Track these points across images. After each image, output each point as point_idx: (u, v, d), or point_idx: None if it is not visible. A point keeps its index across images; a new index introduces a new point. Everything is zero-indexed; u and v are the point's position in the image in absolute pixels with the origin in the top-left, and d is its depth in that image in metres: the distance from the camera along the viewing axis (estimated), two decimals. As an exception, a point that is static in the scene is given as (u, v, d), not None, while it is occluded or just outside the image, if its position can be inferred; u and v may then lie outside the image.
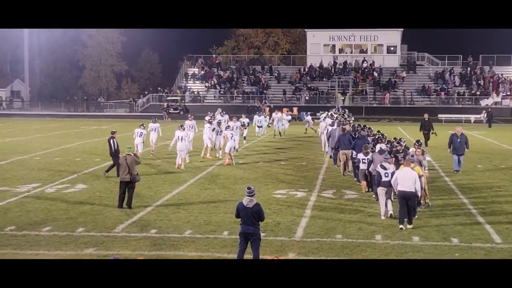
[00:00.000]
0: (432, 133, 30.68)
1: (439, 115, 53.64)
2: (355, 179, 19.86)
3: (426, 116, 31.56)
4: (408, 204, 13.85)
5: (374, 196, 16.96)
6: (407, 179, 13.87)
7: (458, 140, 22.09)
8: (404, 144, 18.45)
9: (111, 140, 20.83)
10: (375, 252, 12.08)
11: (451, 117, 54.06)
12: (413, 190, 13.81)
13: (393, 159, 16.02)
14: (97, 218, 14.86)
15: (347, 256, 11.77)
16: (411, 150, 17.10)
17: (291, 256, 11.75)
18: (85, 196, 17.62)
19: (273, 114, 39.24)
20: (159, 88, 72.05)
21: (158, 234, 13.36)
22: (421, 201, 15.97)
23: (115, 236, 13.25)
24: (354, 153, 19.92)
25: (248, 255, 10.88)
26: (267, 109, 53.36)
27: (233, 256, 11.22)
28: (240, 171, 22.51)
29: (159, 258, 11.56)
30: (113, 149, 20.73)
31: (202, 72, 69.23)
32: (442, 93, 61.95)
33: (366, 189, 18.16)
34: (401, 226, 13.87)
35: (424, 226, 14.11)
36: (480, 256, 11.91)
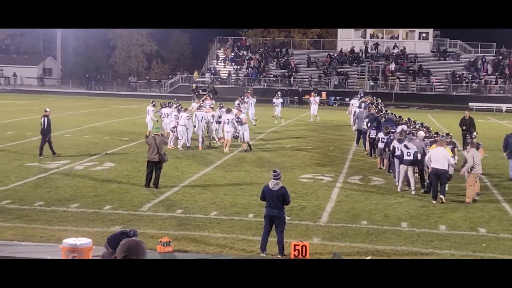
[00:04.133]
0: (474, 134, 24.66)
1: (470, 104, 52.76)
2: (368, 154, 22.51)
3: (466, 113, 26.21)
4: (440, 180, 15.08)
5: (385, 169, 19.21)
6: (440, 157, 15.11)
7: None
8: (431, 134, 18.98)
9: (43, 119, 20.63)
10: (401, 239, 11.99)
11: (483, 106, 53.19)
12: (446, 168, 15.06)
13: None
14: (124, 197, 15.04)
15: (372, 243, 11.72)
16: (421, 133, 17.37)
17: (316, 240, 11.74)
18: (113, 175, 17.82)
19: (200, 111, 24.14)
20: (176, 74, 72.27)
21: (184, 214, 13.46)
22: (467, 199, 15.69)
23: (141, 214, 13.40)
24: (373, 132, 21.39)
25: (273, 238, 10.92)
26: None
27: (258, 238, 11.26)
28: (266, 155, 22.52)
29: (175, 254, 11.66)
30: (43, 127, 20.44)
31: (232, 54, 69.10)
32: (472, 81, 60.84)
33: (380, 167, 19.80)
34: (434, 201, 15.04)
35: (451, 215, 13.98)
36: (508, 247, 11.76)
